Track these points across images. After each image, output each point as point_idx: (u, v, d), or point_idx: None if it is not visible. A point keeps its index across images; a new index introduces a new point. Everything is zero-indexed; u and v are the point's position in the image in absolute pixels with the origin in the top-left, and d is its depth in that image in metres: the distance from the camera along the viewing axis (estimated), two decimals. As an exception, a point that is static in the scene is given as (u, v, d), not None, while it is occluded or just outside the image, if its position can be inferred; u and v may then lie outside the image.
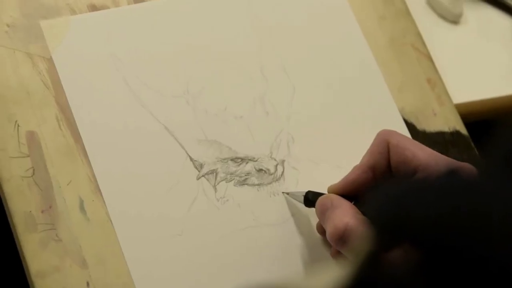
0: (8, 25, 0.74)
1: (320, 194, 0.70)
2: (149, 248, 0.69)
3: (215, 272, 0.69)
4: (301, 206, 0.72)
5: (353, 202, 0.69)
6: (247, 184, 0.73)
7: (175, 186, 0.71)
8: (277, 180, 0.74)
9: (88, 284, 0.67)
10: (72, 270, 0.67)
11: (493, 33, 0.96)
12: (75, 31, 0.75)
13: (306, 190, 0.71)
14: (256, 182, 0.74)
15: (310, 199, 0.71)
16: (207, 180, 0.72)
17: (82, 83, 0.73)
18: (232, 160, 0.74)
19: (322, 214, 0.69)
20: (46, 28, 0.74)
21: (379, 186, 0.40)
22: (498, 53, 0.94)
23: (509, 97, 0.91)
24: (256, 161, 0.74)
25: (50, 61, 0.73)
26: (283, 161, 0.75)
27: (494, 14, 0.98)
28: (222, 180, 0.73)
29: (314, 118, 0.78)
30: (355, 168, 0.70)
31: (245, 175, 0.74)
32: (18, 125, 0.70)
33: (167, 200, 0.71)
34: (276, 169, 0.75)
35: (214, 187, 0.72)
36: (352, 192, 0.69)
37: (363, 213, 0.67)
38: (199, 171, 0.73)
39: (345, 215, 0.66)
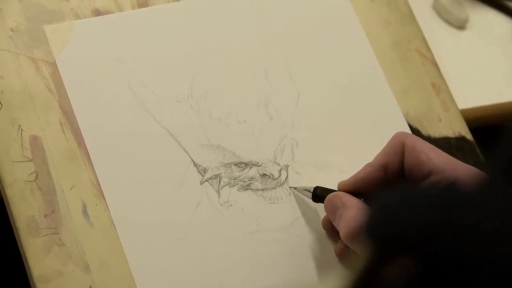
0: (12, 30, 0.74)
1: (329, 190, 0.70)
2: (152, 253, 0.69)
3: (218, 277, 0.69)
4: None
5: (362, 199, 0.68)
6: (250, 189, 0.73)
7: (179, 190, 0.71)
8: (281, 185, 0.74)
9: (90, 288, 0.67)
10: (75, 274, 0.66)
11: (499, 39, 0.96)
12: (79, 35, 0.75)
13: (314, 186, 0.71)
14: (260, 187, 0.73)
15: (319, 194, 0.71)
16: (211, 184, 0.72)
17: (86, 87, 0.73)
18: (235, 165, 0.74)
19: (332, 213, 0.69)
20: (50, 33, 0.74)
21: (378, 196, 0.40)
22: (503, 59, 0.94)
23: (514, 102, 0.91)
24: (260, 166, 0.74)
25: (54, 65, 0.73)
26: (287, 166, 0.75)
27: (499, 20, 0.97)
28: (225, 185, 0.73)
29: (318, 123, 0.78)
30: (367, 165, 0.70)
31: (249, 180, 0.73)
32: (22, 129, 0.70)
33: (171, 205, 0.71)
34: (280, 174, 0.74)
35: (218, 191, 0.72)
36: (362, 189, 0.69)
37: None
38: (202, 175, 0.72)
39: (360, 214, 0.66)
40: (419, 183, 0.68)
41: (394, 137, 0.70)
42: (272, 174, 0.74)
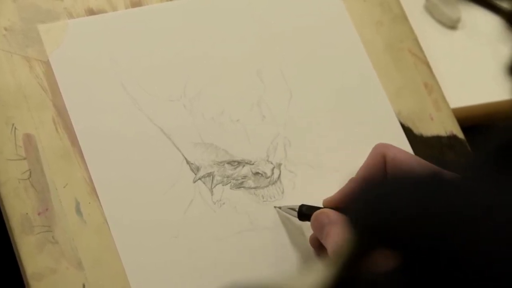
0: (6, 29, 0.74)
1: (314, 208, 0.70)
2: (146, 250, 0.69)
3: (211, 274, 0.70)
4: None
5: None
6: (243, 187, 0.73)
7: (172, 189, 0.72)
8: (273, 183, 0.74)
9: (84, 286, 0.67)
10: (68, 272, 0.67)
11: (490, 38, 0.96)
12: (72, 35, 0.75)
13: (299, 204, 0.71)
14: (253, 185, 0.74)
15: (304, 212, 0.70)
16: (204, 183, 0.73)
17: (79, 86, 0.73)
18: (228, 163, 0.74)
19: (319, 230, 0.68)
20: (43, 32, 0.75)
21: (359, 189, 0.40)
22: (495, 58, 0.94)
23: (506, 101, 0.91)
24: (252, 164, 0.75)
25: (47, 64, 0.74)
26: (279, 165, 0.75)
27: (491, 19, 0.98)
28: (218, 183, 0.73)
29: (311, 122, 0.78)
30: (350, 180, 0.70)
31: (242, 178, 0.74)
32: (15, 128, 0.71)
33: (164, 203, 0.71)
34: (272, 173, 0.75)
35: (211, 190, 0.73)
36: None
37: None
38: (195, 174, 0.73)
39: (346, 231, 0.66)
40: None
41: (374, 149, 0.70)
42: (264, 173, 0.74)
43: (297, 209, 0.71)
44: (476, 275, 0.36)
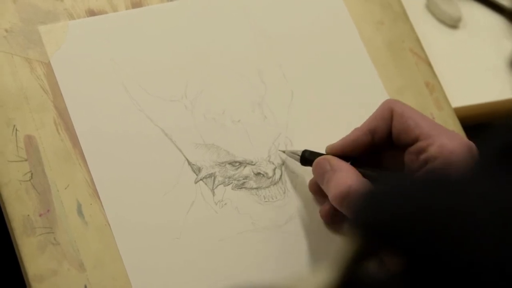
0: (6, 30, 0.74)
1: (317, 154, 0.72)
2: (147, 252, 0.69)
3: (213, 275, 0.69)
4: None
5: (349, 162, 0.70)
6: (245, 187, 0.73)
7: (173, 190, 0.71)
8: (275, 183, 0.74)
9: (86, 287, 0.67)
10: (70, 273, 0.67)
11: (492, 37, 0.96)
12: (73, 36, 0.75)
13: (303, 149, 0.73)
14: (254, 185, 0.74)
15: (307, 157, 0.72)
16: (205, 184, 0.73)
17: (80, 87, 0.73)
18: (230, 164, 0.74)
19: (320, 176, 0.70)
20: (44, 33, 0.75)
21: (366, 189, 0.40)
22: (496, 57, 0.94)
23: (507, 101, 0.91)
24: (254, 165, 0.75)
25: (48, 66, 0.73)
26: (281, 165, 0.75)
27: (492, 18, 0.98)
28: (220, 184, 0.73)
29: (312, 122, 0.78)
30: (355, 129, 0.72)
31: (243, 179, 0.74)
32: (17, 130, 0.71)
33: (165, 204, 0.71)
34: (274, 173, 0.75)
35: (212, 190, 0.72)
36: (350, 153, 0.71)
37: (362, 174, 0.68)
38: (197, 175, 0.73)
39: (348, 177, 0.68)
40: (406, 148, 0.69)
41: (383, 103, 0.71)
42: (266, 173, 0.74)
43: (300, 154, 0.72)
44: (477, 277, 0.36)
